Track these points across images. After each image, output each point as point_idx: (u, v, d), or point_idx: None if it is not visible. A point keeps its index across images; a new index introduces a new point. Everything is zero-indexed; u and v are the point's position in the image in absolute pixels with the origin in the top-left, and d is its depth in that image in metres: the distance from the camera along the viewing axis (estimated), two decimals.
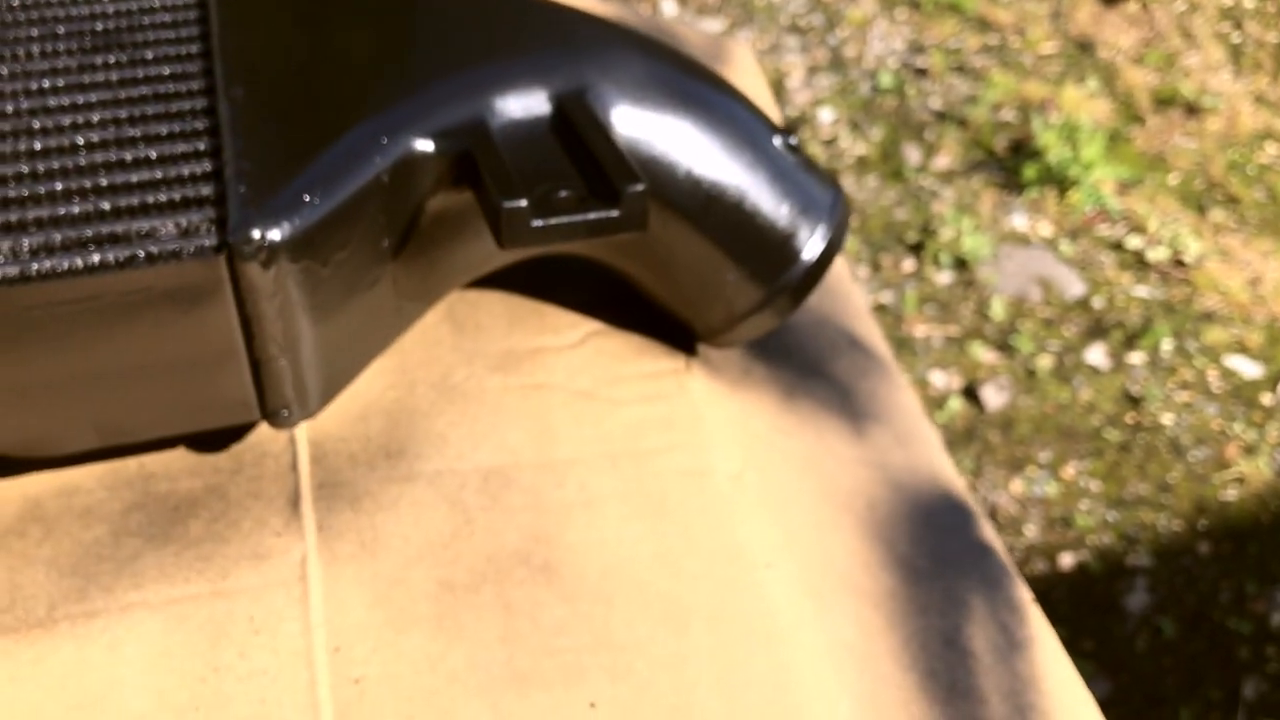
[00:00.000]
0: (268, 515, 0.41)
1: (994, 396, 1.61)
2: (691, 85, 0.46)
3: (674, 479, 0.45)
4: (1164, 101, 2.06)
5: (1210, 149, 1.98)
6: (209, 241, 0.35)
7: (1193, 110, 2.04)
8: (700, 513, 0.44)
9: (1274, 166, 1.96)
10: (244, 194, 0.35)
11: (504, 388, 0.47)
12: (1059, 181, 1.85)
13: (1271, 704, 1.37)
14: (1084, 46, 2.15)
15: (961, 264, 1.75)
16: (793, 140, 0.47)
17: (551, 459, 0.45)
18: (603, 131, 0.40)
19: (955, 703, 0.42)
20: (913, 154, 1.93)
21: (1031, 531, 1.48)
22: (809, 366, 0.54)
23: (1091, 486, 1.54)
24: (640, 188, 0.37)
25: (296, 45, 0.42)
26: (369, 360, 0.42)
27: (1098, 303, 1.73)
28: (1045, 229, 1.82)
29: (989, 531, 0.51)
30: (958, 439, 1.56)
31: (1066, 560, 1.47)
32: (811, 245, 0.46)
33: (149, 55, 0.42)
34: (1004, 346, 1.66)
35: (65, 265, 0.34)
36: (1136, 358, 1.66)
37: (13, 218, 0.36)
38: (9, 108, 0.40)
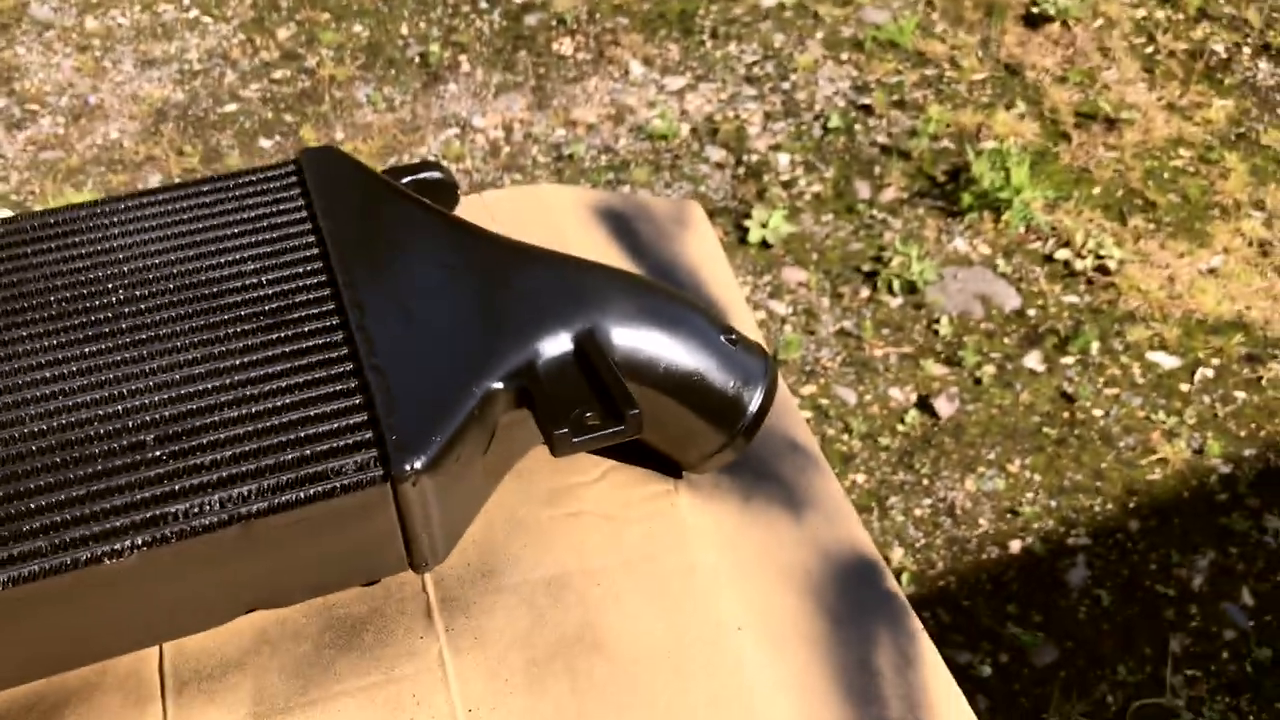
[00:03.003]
0: (413, 625, 0.64)
1: (946, 406, 1.84)
2: (665, 307, 0.68)
3: (673, 576, 0.67)
4: (1086, 117, 2.28)
5: (1129, 159, 2.21)
6: (378, 474, 0.57)
7: (1112, 123, 2.26)
8: (690, 597, 0.66)
9: (1186, 170, 2.19)
10: (395, 440, 0.58)
11: (552, 518, 0.70)
12: (993, 205, 2.07)
13: (1195, 655, 1.60)
14: (1013, 70, 2.38)
15: (911, 288, 1.98)
16: (732, 336, 0.69)
17: (590, 567, 0.67)
18: (608, 364, 0.62)
19: (867, 707, 0.65)
20: (863, 189, 2.15)
21: (984, 523, 1.71)
22: (761, 472, 0.76)
23: (1035, 479, 1.77)
24: (636, 411, 0.59)
25: (404, 322, 0.64)
26: (472, 520, 0.64)
27: (1032, 313, 1.96)
28: (984, 249, 2.04)
29: (892, 581, 0.73)
30: (917, 446, 1.79)
31: (1015, 545, 1.70)
32: (754, 402, 0.68)
33: (307, 329, 0.64)
34: (952, 360, 1.89)
35: (291, 498, 0.57)
36: (1069, 360, 1.89)
37: (251, 466, 0.58)
38: (226, 381, 0.62)
